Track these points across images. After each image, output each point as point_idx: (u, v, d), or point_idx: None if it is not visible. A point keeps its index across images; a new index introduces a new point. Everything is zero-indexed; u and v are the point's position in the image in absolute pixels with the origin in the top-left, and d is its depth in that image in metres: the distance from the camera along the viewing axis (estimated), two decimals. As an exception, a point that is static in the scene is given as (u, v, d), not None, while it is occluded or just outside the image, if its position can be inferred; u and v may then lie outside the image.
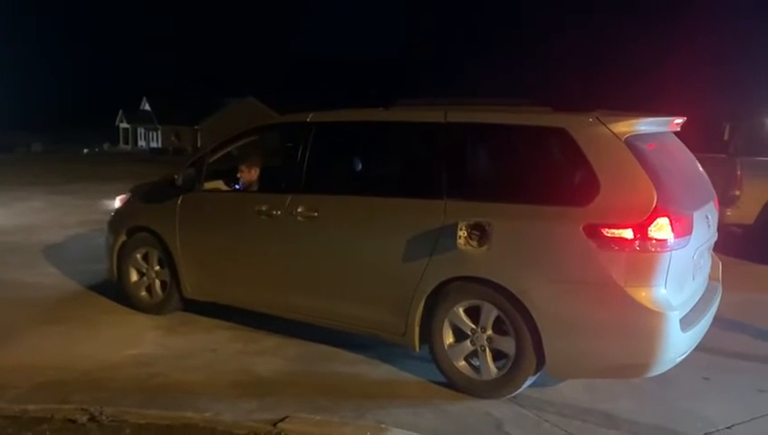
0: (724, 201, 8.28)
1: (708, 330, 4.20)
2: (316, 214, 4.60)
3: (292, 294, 4.83)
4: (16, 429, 3.36)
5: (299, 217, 4.65)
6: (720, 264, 4.81)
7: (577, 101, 4.42)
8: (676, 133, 4.58)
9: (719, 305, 4.47)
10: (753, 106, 10.43)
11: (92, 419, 3.47)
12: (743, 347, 5.04)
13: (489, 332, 4.00)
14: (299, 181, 4.77)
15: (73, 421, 3.47)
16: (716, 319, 4.31)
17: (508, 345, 3.92)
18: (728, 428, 3.72)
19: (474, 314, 4.06)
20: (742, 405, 4.02)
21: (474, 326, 4.05)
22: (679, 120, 4.43)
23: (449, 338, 4.14)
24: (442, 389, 4.14)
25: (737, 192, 8.27)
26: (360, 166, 4.92)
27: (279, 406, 3.83)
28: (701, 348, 4.85)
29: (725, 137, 9.24)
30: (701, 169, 4.66)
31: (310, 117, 4.90)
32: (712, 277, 4.65)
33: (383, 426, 3.57)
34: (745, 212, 8.31)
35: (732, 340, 5.18)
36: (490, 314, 3.98)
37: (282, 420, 3.54)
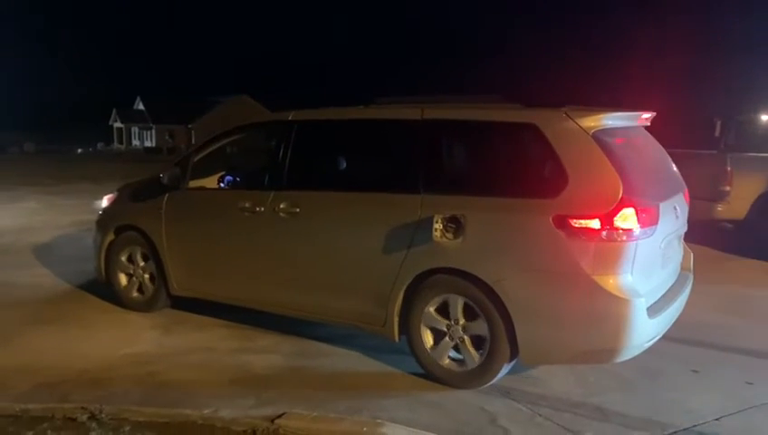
0: (715, 197, 8.38)
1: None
2: (298, 210, 4.72)
3: (275, 288, 4.93)
4: (18, 428, 3.41)
5: (281, 214, 4.76)
6: (692, 254, 4.94)
7: (548, 98, 4.54)
8: (646, 127, 4.72)
9: (690, 294, 4.62)
10: (743, 102, 10.53)
11: (92, 417, 3.52)
12: (731, 340, 5.12)
13: (462, 321, 4.13)
14: (281, 178, 4.88)
15: (74, 420, 3.52)
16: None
17: (482, 327, 4.05)
18: (717, 419, 3.80)
19: (444, 310, 4.19)
20: (730, 397, 4.10)
21: (448, 322, 4.18)
22: (647, 115, 4.58)
23: (429, 340, 4.26)
24: (436, 384, 4.20)
25: (728, 188, 8.36)
26: (341, 162, 5.05)
27: (276, 402, 3.89)
28: (690, 341, 4.98)
29: (716, 133, 9.32)
30: (670, 162, 4.81)
31: (291, 115, 5.02)
32: (683, 267, 4.79)
33: (379, 421, 3.63)
34: (736, 208, 8.41)
35: (721, 333, 5.27)
36: (457, 303, 4.13)
37: (279, 416, 3.60)
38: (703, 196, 7.95)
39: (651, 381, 4.32)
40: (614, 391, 4.16)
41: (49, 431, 3.37)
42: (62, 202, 14.14)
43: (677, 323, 4.33)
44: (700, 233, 7.40)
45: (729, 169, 8.36)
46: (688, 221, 4.76)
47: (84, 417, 3.53)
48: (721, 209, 8.42)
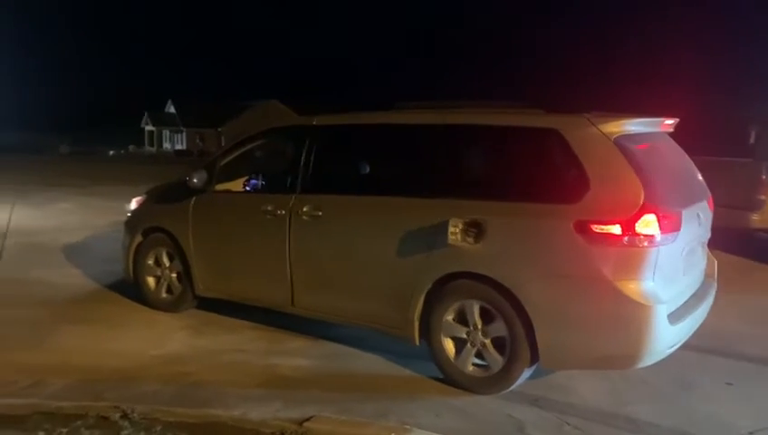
0: (750, 206, 8.21)
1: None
2: (320, 213, 4.77)
3: (298, 290, 4.97)
4: (52, 425, 3.47)
5: (304, 217, 4.81)
6: (715, 262, 4.88)
7: (571, 104, 4.52)
8: (670, 134, 4.68)
9: (718, 303, 4.58)
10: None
11: (125, 416, 3.57)
12: (767, 352, 5.02)
13: (480, 325, 4.14)
14: (304, 182, 4.93)
15: (106, 418, 3.58)
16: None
17: (501, 329, 4.05)
18: (750, 433, 3.73)
19: (462, 317, 4.21)
20: (764, 411, 4.01)
21: (467, 328, 4.19)
22: (670, 121, 4.55)
23: (452, 350, 4.28)
24: (463, 391, 4.19)
25: (763, 197, 8.19)
26: (363, 167, 5.11)
27: (304, 405, 3.91)
28: (724, 353, 4.89)
29: (751, 140, 9.14)
30: (694, 168, 4.77)
31: (315, 120, 5.07)
32: (707, 275, 4.73)
33: (406, 426, 3.63)
34: None
35: (756, 345, 5.15)
36: (474, 309, 4.14)
37: (307, 419, 3.62)
38: (737, 205, 7.81)
39: (684, 393, 4.25)
40: (645, 402, 4.10)
41: (83, 429, 3.44)
42: (95, 203, 14.39)
43: (711, 334, 4.27)
44: (733, 242, 7.28)
45: (764, 177, 8.20)
46: (719, 229, 4.69)
47: (117, 416, 3.59)
48: (756, 218, 8.24)
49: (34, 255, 8.28)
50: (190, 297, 5.67)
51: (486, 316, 4.13)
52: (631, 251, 3.71)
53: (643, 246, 3.70)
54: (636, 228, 3.68)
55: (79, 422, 3.51)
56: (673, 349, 3.93)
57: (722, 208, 5.19)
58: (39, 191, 16.82)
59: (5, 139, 61.29)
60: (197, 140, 64.63)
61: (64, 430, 3.41)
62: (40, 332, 5.22)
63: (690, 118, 4.63)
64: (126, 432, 3.41)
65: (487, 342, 4.13)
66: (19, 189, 16.80)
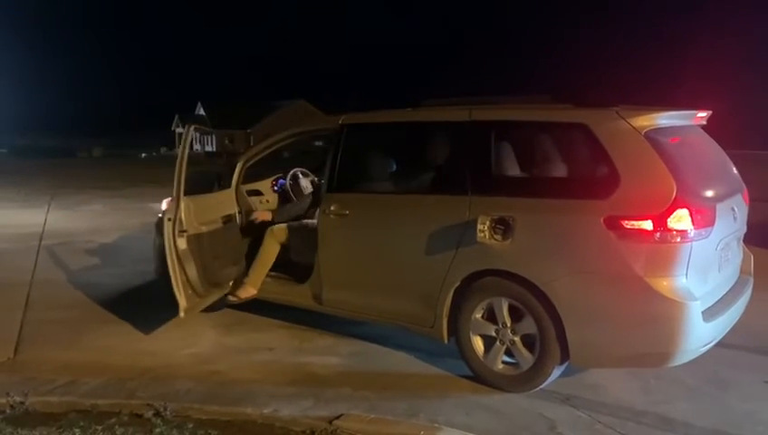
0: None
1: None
2: (347, 212, 4.77)
3: (326, 288, 4.98)
4: (88, 422, 3.53)
5: (331, 216, 4.82)
6: (752, 257, 4.75)
7: (600, 97, 4.44)
8: (703, 127, 4.57)
9: (754, 300, 4.46)
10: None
11: (157, 414, 3.62)
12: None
13: (510, 323, 4.11)
14: (331, 180, 4.94)
15: (140, 416, 3.63)
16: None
17: (530, 326, 4.01)
18: (791, 432, 3.64)
19: (491, 315, 4.19)
20: (805, 409, 3.91)
21: (496, 326, 4.16)
22: (703, 114, 4.43)
23: (480, 347, 4.25)
24: (494, 389, 4.16)
25: None
26: (389, 165, 5.13)
27: (334, 403, 3.92)
28: (761, 350, 4.78)
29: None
30: (729, 162, 4.65)
31: (342, 119, 5.07)
32: (743, 271, 4.62)
33: (436, 425, 3.62)
34: None
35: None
36: (502, 306, 4.11)
37: (337, 417, 3.63)
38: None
39: (720, 391, 4.16)
40: (680, 400, 4.03)
41: (117, 427, 3.48)
42: (127, 205, 14.62)
43: (748, 331, 4.17)
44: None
45: None
46: (756, 224, 4.57)
47: (150, 413, 3.63)
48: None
49: (68, 256, 8.43)
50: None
51: (516, 314, 4.10)
52: (663, 247, 3.64)
53: (676, 242, 3.63)
54: (668, 224, 3.60)
55: (113, 420, 3.56)
56: (708, 347, 3.84)
57: (759, 202, 5.06)
58: (73, 193, 17.17)
59: (40, 142, 62.75)
60: (227, 142, 65.22)
61: (99, 428, 3.46)
62: (75, 331, 5.32)
63: (725, 110, 4.51)
64: (159, 430, 3.45)
65: (517, 339, 4.10)
66: (54, 192, 17.17)
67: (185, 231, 4.88)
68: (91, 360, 4.69)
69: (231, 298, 5.35)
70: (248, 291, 5.31)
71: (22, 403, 3.76)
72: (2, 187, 19.13)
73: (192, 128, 5.14)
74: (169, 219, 4.78)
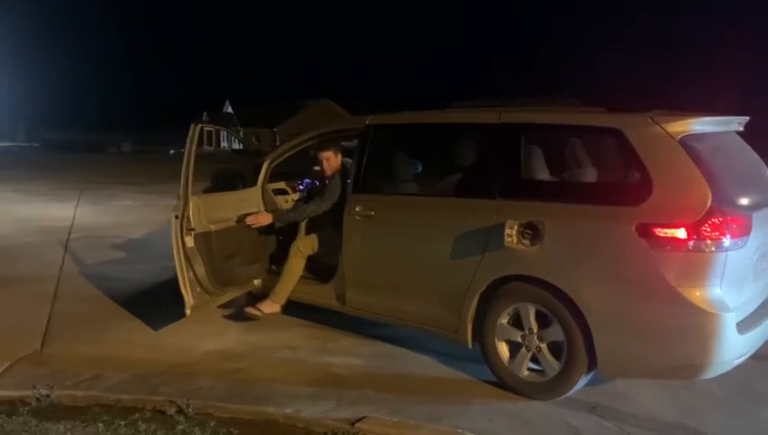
0: None
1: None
2: (373, 213, 4.73)
3: (351, 289, 4.95)
4: (111, 417, 3.55)
5: (357, 217, 4.79)
6: None
7: (634, 102, 4.35)
8: (740, 133, 4.46)
9: None
10: None
11: (180, 411, 3.63)
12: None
13: (536, 329, 4.04)
14: (357, 181, 4.91)
15: (162, 412, 3.65)
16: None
17: (557, 333, 3.94)
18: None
19: (516, 320, 4.13)
20: (842, 426, 3.79)
21: (522, 332, 4.10)
22: (741, 120, 4.34)
23: (506, 353, 4.19)
24: (518, 396, 4.09)
25: None
26: (416, 166, 5.10)
27: (356, 405, 3.89)
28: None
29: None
30: (766, 170, 4.51)
31: (368, 120, 5.03)
32: None
33: (459, 431, 3.58)
34: None
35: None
36: (529, 312, 4.05)
37: (359, 419, 3.61)
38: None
39: (753, 404, 4.05)
40: (711, 413, 3.93)
41: (140, 422, 3.50)
42: (155, 201, 14.76)
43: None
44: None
45: None
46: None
47: (172, 410, 3.64)
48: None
49: (96, 251, 8.53)
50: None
51: (542, 320, 4.03)
52: (697, 256, 3.55)
53: (710, 251, 3.53)
54: (702, 232, 3.51)
55: (136, 415, 3.58)
56: (741, 359, 3.73)
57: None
58: (101, 188, 17.41)
59: (71, 137, 63.80)
60: (253, 139, 65.65)
61: (122, 423, 3.48)
62: (100, 326, 5.36)
63: (764, 116, 4.38)
64: (181, 427, 3.46)
65: (543, 346, 4.03)
66: (83, 187, 17.43)
67: (192, 229, 4.90)
68: (115, 354, 4.72)
69: (253, 312, 5.20)
70: (272, 307, 5.20)
71: (48, 396, 3.80)
72: (34, 181, 19.48)
73: (198, 127, 5.16)
74: (177, 217, 4.81)
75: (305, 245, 5.25)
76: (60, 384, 4.04)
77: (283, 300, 5.23)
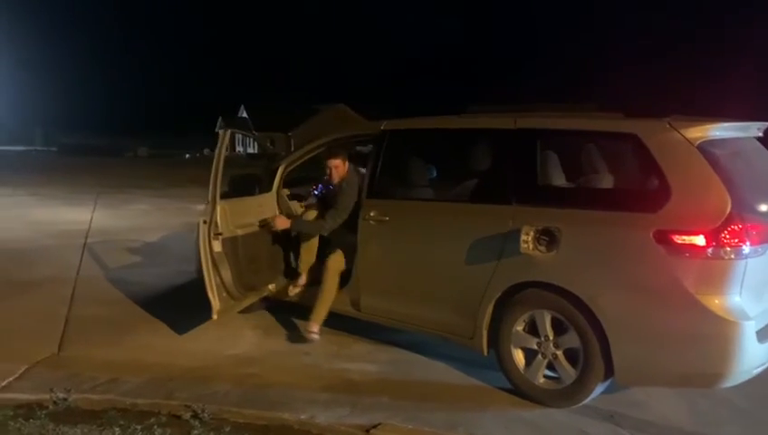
0: None
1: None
2: (387, 218, 4.72)
3: (364, 294, 4.95)
4: (127, 421, 3.57)
5: (371, 221, 4.79)
6: None
7: (651, 107, 4.31)
8: (759, 139, 4.39)
9: None
10: None
11: (195, 416, 3.64)
12: None
13: (552, 336, 4.01)
14: (372, 186, 4.90)
15: (178, 417, 3.66)
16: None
17: (574, 340, 3.91)
18: None
19: (532, 327, 4.10)
20: None
21: (537, 339, 4.07)
22: (761, 126, 4.28)
23: (521, 361, 4.17)
24: (534, 404, 4.06)
25: None
26: (431, 172, 5.07)
27: (371, 411, 3.88)
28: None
29: None
30: None
31: (383, 125, 5.03)
32: None
33: (475, 439, 3.55)
34: None
35: None
36: (545, 319, 4.02)
37: (374, 426, 3.60)
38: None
39: (772, 414, 4.00)
40: (730, 423, 3.88)
41: (155, 426, 3.51)
42: (171, 205, 14.86)
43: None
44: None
45: None
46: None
47: (188, 415, 3.66)
48: None
49: (112, 254, 8.59)
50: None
51: (558, 327, 4.00)
52: (716, 263, 3.51)
53: (729, 259, 3.49)
54: (721, 239, 3.47)
55: (152, 420, 3.60)
56: (761, 369, 3.68)
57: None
58: (118, 192, 17.54)
59: (88, 141, 64.40)
60: (268, 144, 65.89)
61: (138, 427, 3.50)
62: (117, 329, 5.39)
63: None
64: (196, 432, 3.47)
65: (559, 353, 4.01)
66: (99, 190, 17.57)
67: (220, 234, 4.92)
68: (131, 358, 4.74)
69: (313, 336, 5.02)
70: (313, 327, 5.06)
71: (65, 399, 3.83)
72: (51, 184, 19.67)
73: (229, 132, 5.16)
74: (204, 222, 4.82)
75: (337, 262, 5.11)
76: (76, 388, 4.07)
77: (321, 320, 5.09)
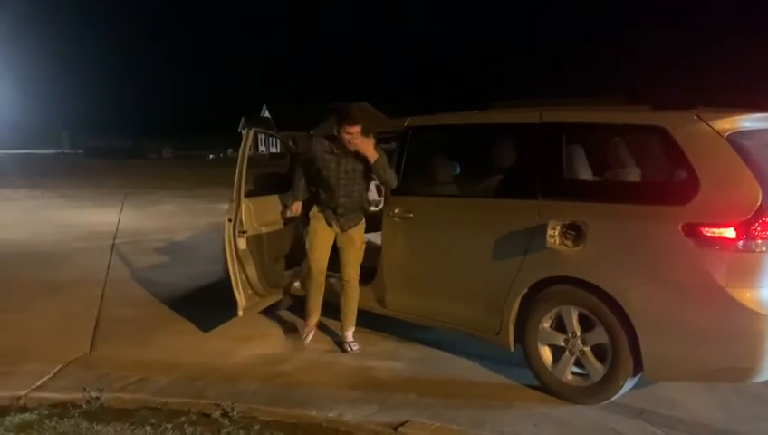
0: None
1: None
2: (411, 215, 4.73)
3: (390, 291, 4.96)
4: (158, 420, 3.62)
5: (395, 218, 4.79)
6: None
7: (679, 99, 4.24)
8: None
9: None
10: None
11: (225, 414, 3.68)
12: None
13: (579, 333, 3.97)
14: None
15: (208, 416, 3.71)
16: None
17: (601, 336, 3.87)
18: None
19: (559, 324, 4.07)
20: None
21: (565, 335, 4.04)
22: None
23: (548, 357, 4.14)
24: (562, 401, 4.03)
25: None
26: (455, 168, 5.06)
27: (398, 409, 3.88)
28: None
29: None
30: None
31: (407, 121, 5.04)
32: None
33: (503, 437, 3.54)
34: None
35: None
36: (572, 315, 3.98)
37: (402, 424, 3.61)
38: None
39: (806, 411, 3.93)
40: (763, 420, 3.82)
41: (186, 425, 3.56)
42: (196, 205, 15.02)
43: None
44: None
45: None
46: None
47: (218, 414, 3.70)
48: None
49: (140, 255, 8.72)
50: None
51: (586, 323, 3.97)
52: (747, 256, 3.45)
53: (760, 251, 3.43)
54: (752, 232, 3.41)
55: (183, 418, 3.65)
56: None
57: None
58: (144, 193, 17.78)
59: (113, 143, 65.33)
60: (290, 143, 66.10)
61: (169, 426, 3.55)
62: (146, 329, 5.47)
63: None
64: (226, 430, 3.51)
65: (587, 350, 3.97)
66: (126, 192, 17.83)
67: (245, 232, 4.96)
68: (161, 357, 4.81)
69: (353, 345, 4.98)
70: (351, 337, 5.03)
71: (97, 398, 3.90)
72: (80, 187, 20.00)
73: (252, 131, 5.20)
74: (230, 220, 4.88)
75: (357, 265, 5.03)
76: (108, 387, 4.14)
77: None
